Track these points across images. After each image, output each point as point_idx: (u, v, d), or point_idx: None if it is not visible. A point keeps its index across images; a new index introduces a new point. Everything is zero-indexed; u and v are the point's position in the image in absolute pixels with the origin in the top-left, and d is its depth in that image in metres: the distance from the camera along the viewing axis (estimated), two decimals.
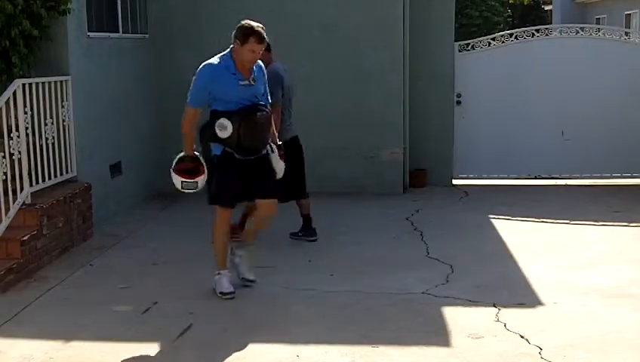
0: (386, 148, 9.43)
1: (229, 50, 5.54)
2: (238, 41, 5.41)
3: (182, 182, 5.54)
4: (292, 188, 6.84)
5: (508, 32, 10.75)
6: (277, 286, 5.88)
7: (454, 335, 4.86)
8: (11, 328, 5.08)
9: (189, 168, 5.54)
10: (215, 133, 5.40)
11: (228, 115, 5.37)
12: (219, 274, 5.73)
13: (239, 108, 5.41)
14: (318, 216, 8.14)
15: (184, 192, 5.66)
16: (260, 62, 5.62)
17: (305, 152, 10.10)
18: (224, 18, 9.25)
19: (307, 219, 7.23)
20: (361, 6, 9.33)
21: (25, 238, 6.10)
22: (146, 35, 9.32)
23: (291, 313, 5.34)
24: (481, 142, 10.27)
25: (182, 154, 5.59)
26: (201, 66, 5.49)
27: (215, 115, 5.44)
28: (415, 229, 7.65)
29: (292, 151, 6.77)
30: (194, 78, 5.47)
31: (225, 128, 5.37)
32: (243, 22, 5.52)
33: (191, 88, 5.48)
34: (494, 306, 5.34)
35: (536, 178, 10.37)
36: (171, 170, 5.57)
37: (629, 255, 6.69)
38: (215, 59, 5.50)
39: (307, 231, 7.24)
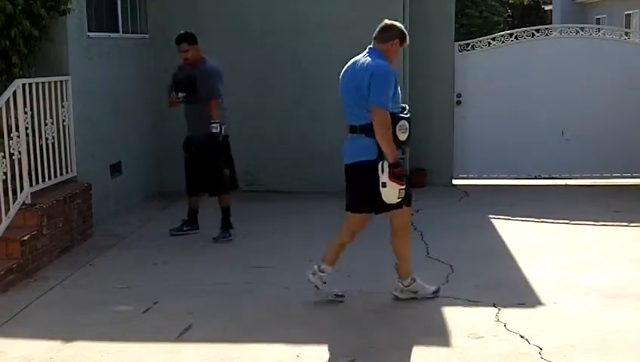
0: None
1: (372, 50, 5.36)
2: (397, 41, 5.37)
3: (400, 190, 5.10)
4: (231, 181, 7.45)
5: (508, 32, 10.74)
6: (277, 286, 5.88)
7: (454, 335, 4.86)
8: (11, 328, 5.09)
9: (399, 174, 5.09)
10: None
11: (404, 118, 5.25)
12: (414, 280, 5.48)
13: (406, 111, 5.36)
14: (319, 217, 8.16)
15: (395, 203, 5.18)
16: None
17: (305, 152, 10.19)
18: (224, 18, 9.29)
19: (227, 213, 7.42)
20: (361, 6, 9.33)
21: (25, 238, 6.10)
22: (146, 35, 9.32)
23: (291, 313, 5.34)
24: (481, 142, 10.26)
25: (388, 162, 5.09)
26: (380, 66, 5.21)
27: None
28: (415, 229, 7.64)
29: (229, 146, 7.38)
30: (377, 78, 5.15)
31: (407, 130, 5.21)
32: (390, 22, 5.45)
33: (380, 89, 5.13)
34: (494, 306, 5.34)
35: (536, 178, 10.37)
36: (388, 181, 5.06)
37: (629, 255, 6.69)
38: (380, 59, 5.29)
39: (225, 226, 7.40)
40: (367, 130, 5.19)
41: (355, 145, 5.31)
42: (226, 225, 7.34)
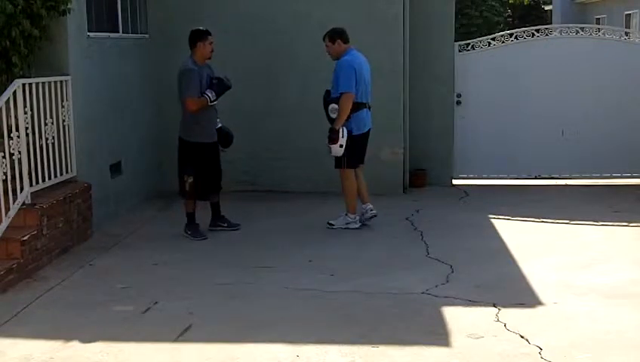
0: (385, 148, 9.42)
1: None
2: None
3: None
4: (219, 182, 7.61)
5: (508, 32, 10.73)
6: (277, 286, 5.88)
7: (454, 335, 4.86)
8: (11, 328, 5.09)
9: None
10: None
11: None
12: (348, 215, 7.68)
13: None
14: (319, 217, 8.16)
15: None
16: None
17: (305, 152, 10.17)
18: (224, 18, 9.28)
19: (218, 208, 7.72)
20: (361, 6, 9.33)
21: (25, 238, 6.10)
22: (146, 35, 9.32)
23: (291, 313, 5.34)
24: (481, 142, 10.26)
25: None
26: None
27: None
28: (415, 229, 7.65)
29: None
30: None
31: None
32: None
33: None
34: (494, 306, 5.35)
35: (536, 178, 10.37)
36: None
37: (629, 255, 6.69)
38: None
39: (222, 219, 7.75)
40: None
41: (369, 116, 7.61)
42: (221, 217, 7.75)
